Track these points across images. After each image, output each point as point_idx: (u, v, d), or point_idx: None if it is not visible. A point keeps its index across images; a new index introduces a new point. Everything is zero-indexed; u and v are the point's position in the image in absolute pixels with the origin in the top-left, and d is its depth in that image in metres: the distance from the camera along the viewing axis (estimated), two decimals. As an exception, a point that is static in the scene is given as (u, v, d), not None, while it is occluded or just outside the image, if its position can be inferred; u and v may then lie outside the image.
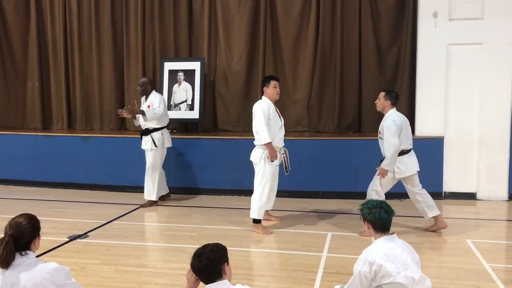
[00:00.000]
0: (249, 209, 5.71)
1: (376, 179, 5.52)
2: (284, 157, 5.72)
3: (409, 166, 5.39)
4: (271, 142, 5.50)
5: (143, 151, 6.89)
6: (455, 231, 5.58)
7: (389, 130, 5.26)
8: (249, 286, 2.73)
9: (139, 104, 6.96)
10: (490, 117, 6.98)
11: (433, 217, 5.52)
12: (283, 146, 5.76)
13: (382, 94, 5.55)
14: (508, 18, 6.84)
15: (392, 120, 5.33)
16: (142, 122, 6.82)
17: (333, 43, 7.83)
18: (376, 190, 5.45)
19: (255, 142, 5.69)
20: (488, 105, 6.98)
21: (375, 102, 5.60)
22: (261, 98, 5.74)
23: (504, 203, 6.98)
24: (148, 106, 6.71)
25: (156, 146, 6.73)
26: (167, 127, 7.04)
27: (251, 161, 5.71)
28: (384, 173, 5.32)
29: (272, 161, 5.57)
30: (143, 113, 6.65)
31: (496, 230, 5.83)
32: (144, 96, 6.88)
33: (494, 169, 7.03)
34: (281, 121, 5.77)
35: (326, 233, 5.56)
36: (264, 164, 5.56)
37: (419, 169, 5.48)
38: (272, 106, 5.66)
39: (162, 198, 7.12)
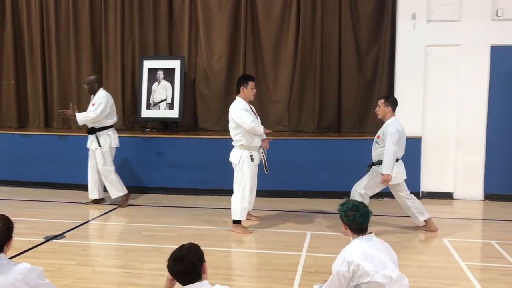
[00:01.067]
0: (229, 209, 5.69)
1: (363, 181, 5.55)
2: (263, 156, 5.71)
3: (398, 174, 5.42)
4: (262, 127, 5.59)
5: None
6: (432, 230, 5.64)
7: (392, 138, 5.30)
8: (228, 286, 2.72)
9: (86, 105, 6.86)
10: (467, 117, 7.10)
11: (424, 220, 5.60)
12: (261, 146, 5.73)
13: (381, 101, 5.55)
14: (485, 21, 6.96)
15: (396, 128, 5.37)
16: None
17: (313, 43, 7.85)
18: (360, 192, 5.47)
19: (233, 143, 5.66)
20: (465, 106, 7.09)
21: (375, 110, 5.60)
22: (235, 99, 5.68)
23: (480, 203, 7.11)
24: (93, 105, 6.65)
25: (100, 146, 6.63)
26: (114, 126, 6.88)
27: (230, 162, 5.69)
28: (388, 179, 5.31)
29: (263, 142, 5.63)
30: (75, 116, 6.61)
31: (472, 229, 5.93)
32: (93, 95, 6.77)
33: (471, 169, 7.14)
34: (258, 120, 5.72)
35: (305, 233, 5.58)
36: (243, 165, 5.54)
37: (406, 177, 5.53)
38: (248, 107, 5.62)
39: (96, 202, 6.89)
